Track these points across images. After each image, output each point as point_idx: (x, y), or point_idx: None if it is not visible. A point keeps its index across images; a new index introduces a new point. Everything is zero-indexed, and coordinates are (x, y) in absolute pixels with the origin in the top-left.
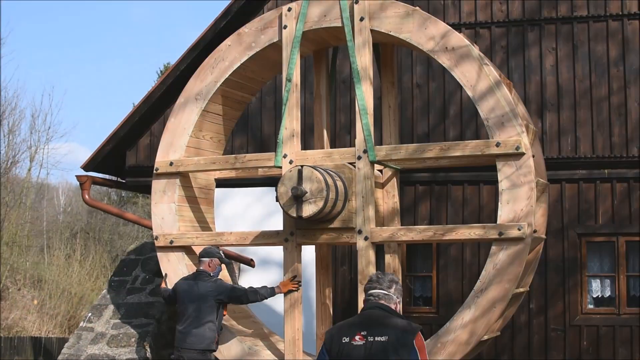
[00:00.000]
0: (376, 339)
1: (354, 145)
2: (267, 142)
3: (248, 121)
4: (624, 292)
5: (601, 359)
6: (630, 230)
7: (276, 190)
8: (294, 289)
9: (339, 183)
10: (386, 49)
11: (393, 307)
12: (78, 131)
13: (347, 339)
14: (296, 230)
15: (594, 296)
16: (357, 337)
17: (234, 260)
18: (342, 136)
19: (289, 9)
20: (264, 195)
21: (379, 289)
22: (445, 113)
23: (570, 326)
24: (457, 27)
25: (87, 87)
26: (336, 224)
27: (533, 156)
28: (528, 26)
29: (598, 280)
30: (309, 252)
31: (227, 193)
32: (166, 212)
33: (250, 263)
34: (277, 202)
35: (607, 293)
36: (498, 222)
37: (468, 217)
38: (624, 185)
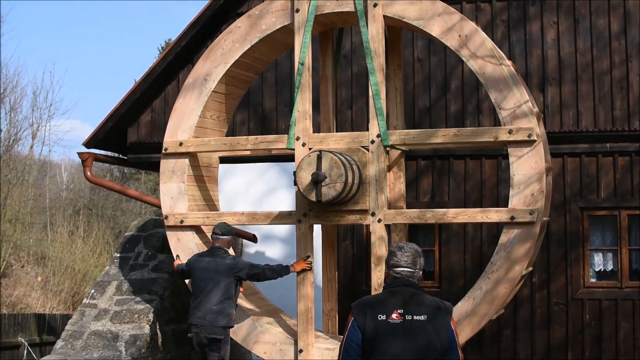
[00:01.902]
0: (414, 317)
1: (355, 123)
2: (269, 118)
3: (249, 97)
4: (626, 265)
5: (603, 332)
6: (632, 204)
7: (294, 174)
8: (307, 268)
9: (355, 167)
10: (393, 32)
11: (417, 282)
12: (80, 108)
13: (383, 317)
14: (309, 212)
15: (596, 270)
16: (394, 315)
17: (238, 236)
18: (343, 111)
19: None
20: (265, 172)
21: (405, 264)
22: (446, 87)
23: (572, 300)
24: (458, 1)
25: (88, 63)
26: (350, 206)
27: None
28: (529, 0)
29: (600, 254)
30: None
31: (229, 169)
32: (175, 191)
33: (253, 239)
34: (295, 186)
35: (610, 267)
36: (510, 207)
37: (470, 191)
38: (626, 159)
